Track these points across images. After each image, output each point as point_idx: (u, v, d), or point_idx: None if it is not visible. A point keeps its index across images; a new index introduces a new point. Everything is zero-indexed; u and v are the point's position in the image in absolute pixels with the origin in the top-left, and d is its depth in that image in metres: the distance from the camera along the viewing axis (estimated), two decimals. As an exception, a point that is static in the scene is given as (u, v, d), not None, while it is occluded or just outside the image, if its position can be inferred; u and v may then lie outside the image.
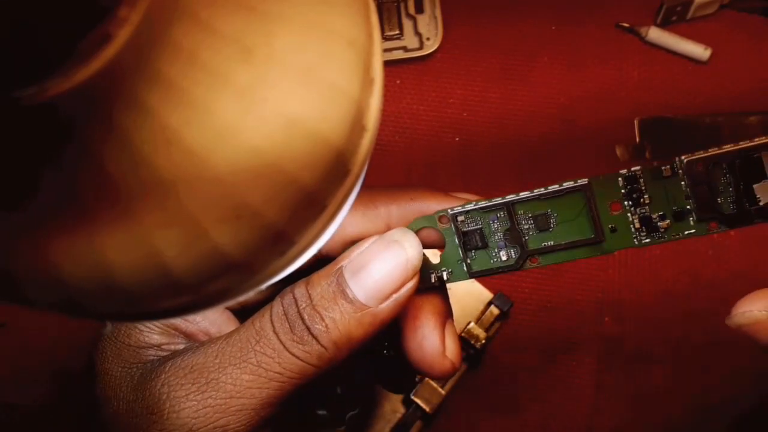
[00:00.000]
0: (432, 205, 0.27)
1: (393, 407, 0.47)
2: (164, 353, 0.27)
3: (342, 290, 0.25)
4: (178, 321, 0.28)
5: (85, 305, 0.16)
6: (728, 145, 0.25)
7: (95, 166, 0.14)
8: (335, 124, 0.16)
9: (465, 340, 0.47)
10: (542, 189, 0.26)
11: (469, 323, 0.47)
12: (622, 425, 0.48)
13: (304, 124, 0.15)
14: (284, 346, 0.25)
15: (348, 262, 0.25)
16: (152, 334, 0.28)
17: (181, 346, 0.27)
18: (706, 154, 0.25)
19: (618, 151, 0.51)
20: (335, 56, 0.16)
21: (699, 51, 0.53)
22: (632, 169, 0.25)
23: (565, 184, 0.26)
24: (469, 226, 0.27)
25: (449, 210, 0.27)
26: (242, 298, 0.19)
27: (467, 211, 0.27)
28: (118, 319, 0.26)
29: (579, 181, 0.26)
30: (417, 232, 0.27)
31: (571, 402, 0.49)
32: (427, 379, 0.46)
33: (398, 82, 0.54)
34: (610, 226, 0.26)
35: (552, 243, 0.26)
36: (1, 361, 0.47)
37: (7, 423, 0.46)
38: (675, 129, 0.51)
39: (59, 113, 0.13)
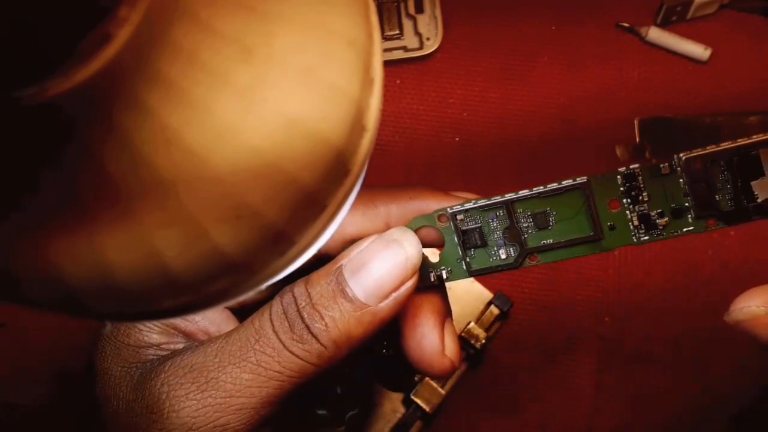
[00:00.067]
0: (431, 204, 0.27)
1: (393, 407, 0.47)
2: (164, 352, 0.27)
3: (341, 289, 0.25)
4: (177, 320, 0.28)
5: (85, 305, 0.16)
6: (726, 143, 0.25)
7: (95, 166, 0.14)
8: (335, 124, 0.16)
9: (465, 340, 0.47)
10: (541, 187, 0.26)
11: (469, 323, 0.47)
12: (622, 425, 0.48)
13: (304, 124, 0.15)
14: (284, 345, 0.25)
15: (347, 261, 0.25)
16: (152, 333, 0.28)
17: (181, 346, 0.28)
18: (704, 152, 0.25)
19: (618, 151, 0.51)
20: (335, 56, 0.16)
21: (699, 51, 0.53)
22: (631, 167, 0.25)
23: (564, 182, 0.26)
24: (468, 225, 0.27)
25: (448, 209, 0.27)
26: (242, 298, 0.19)
27: (466, 210, 0.27)
28: (118, 319, 0.26)
29: (578, 179, 0.26)
30: (416, 231, 0.27)
31: (571, 402, 0.49)
32: (427, 379, 0.46)
33: (398, 82, 0.54)
34: (609, 223, 0.26)
35: (551, 241, 0.26)
36: (1, 361, 0.47)
37: (7, 423, 0.46)
38: (675, 129, 0.51)
39: (59, 113, 0.13)
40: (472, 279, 0.49)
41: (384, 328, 0.26)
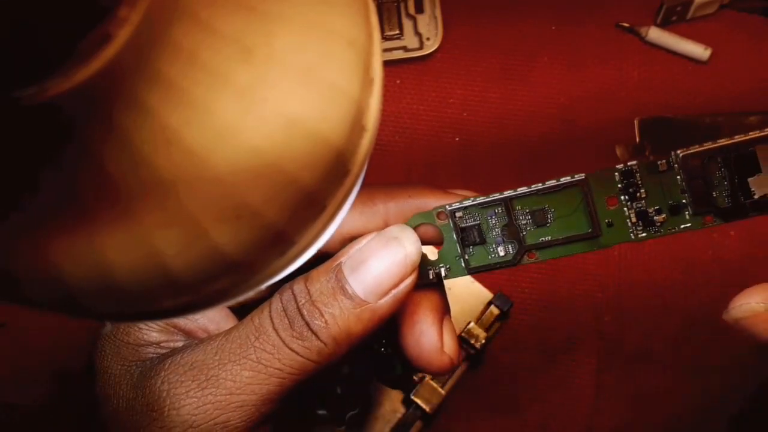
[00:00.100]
0: (430, 201, 0.28)
1: (393, 407, 0.47)
2: (163, 351, 0.27)
3: (341, 286, 0.25)
4: (177, 319, 0.28)
5: (85, 305, 0.16)
6: (723, 140, 0.25)
7: (95, 166, 0.14)
8: (335, 124, 0.16)
9: (465, 340, 0.47)
10: (539, 184, 0.26)
11: (469, 323, 0.47)
12: (622, 425, 0.48)
13: (304, 124, 0.15)
14: (284, 342, 0.25)
15: (347, 258, 0.25)
16: (151, 332, 0.28)
17: (180, 344, 0.28)
18: (701, 149, 0.25)
19: (618, 151, 0.51)
20: (335, 56, 0.16)
21: (699, 51, 0.53)
22: (629, 163, 0.25)
23: (562, 179, 0.26)
24: (467, 222, 0.27)
25: (447, 206, 0.27)
26: (242, 298, 0.19)
27: (465, 207, 0.27)
28: (118, 319, 0.26)
29: (576, 176, 0.26)
30: (415, 229, 0.27)
31: (571, 402, 0.49)
32: (427, 378, 0.46)
33: (398, 82, 0.54)
34: (606, 220, 0.26)
35: (549, 238, 0.26)
36: (1, 361, 0.47)
37: (7, 423, 0.46)
38: (675, 129, 0.51)
39: (59, 113, 0.13)
40: (471, 279, 0.49)
41: (383, 325, 0.26)
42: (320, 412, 0.43)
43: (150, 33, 0.13)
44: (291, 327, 0.25)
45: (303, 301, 0.25)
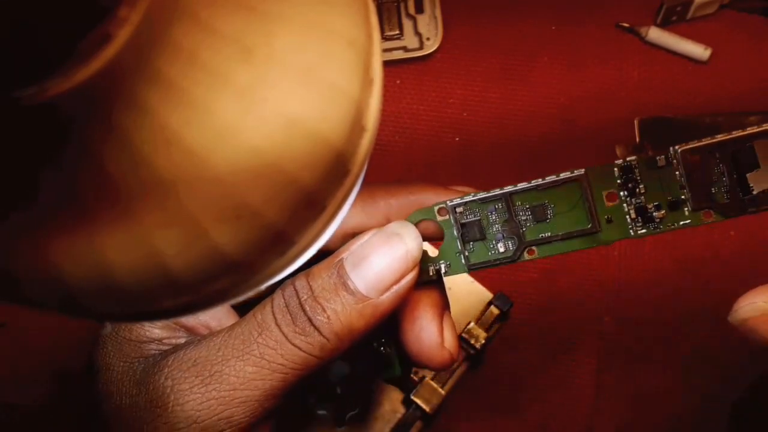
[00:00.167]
0: (430, 198, 0.28)
1: (393, 407, 0.47)
2: (166, 347, 0.27)
3: (343, 282, 0.25)
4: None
5: (85, 305, 0.16)
6: (721, 135, 0.25)
7: (95, 166, 0.14)
8: (335, 124, 0.16)
9: (465, 340, 0.47)
10: (539, 179, 0.26)
11: (469, 323, 0.47)
12: (622, 425, 0.48)
13: (304, 124, 0.15)
14: (286, 338, 0.25)
15: (348, 254, 0.26)
16: (153, 328, 0.28)
17: (182, 340, 0.28)
18: (699, 144, 0.25)
19: (618, 151, 0.51)
20: (335, 56, 0.16)
21: (699, 51, 0.53)
22: (628, 159, 0.26)
23: (562, 174, 0.26)
24: (467, 218, 0.27)
25: (448, 202, 0.27)
26: (242, 298, 0.19)
27: (466, 203, 0.27)
28: (119, 319, 0.26)
29: (575, 171, 0.26)
30: (416, 225, 0.27)
31: (571, 402, 0.49)
32: (427, 378, 0.46)
33: (398, 82, 0.54)
34: (606, 216, 0.26)
35: (549, 234, 0.26)
36: (1, 361, 0.47)
37: (7, 423, 0.46)
38: (675, 129, 0.51)
39: (59, 113, 0.13)
40: (471, 279, 0.49)
41: (384, 321, 0.26)
42: (320, 412, 0.43)
43: (150, 33, 0.13)
44: (293, 323, 0.25)
45: (305, 296, 0.25)
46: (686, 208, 0.26)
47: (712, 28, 0.54)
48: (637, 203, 0.26)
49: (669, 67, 0.53)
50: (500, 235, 0.27)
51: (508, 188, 0.26)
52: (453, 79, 0.54)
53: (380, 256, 0.25)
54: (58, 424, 0.45)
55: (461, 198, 0.27)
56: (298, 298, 0.25)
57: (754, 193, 0.25)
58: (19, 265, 0.15)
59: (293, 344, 0.25)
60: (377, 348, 0.32)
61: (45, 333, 0.46)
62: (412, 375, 0.46)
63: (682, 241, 0.50)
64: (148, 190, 0.15)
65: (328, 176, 0.17)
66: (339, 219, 0.19)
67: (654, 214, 0.26)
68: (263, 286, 0.19)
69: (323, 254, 0.26)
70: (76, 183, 0.14)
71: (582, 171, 0.26)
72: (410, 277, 0.26)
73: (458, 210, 0.27)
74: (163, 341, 0.28)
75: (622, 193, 0.26)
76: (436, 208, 0.27)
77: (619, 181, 0.26)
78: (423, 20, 0.54)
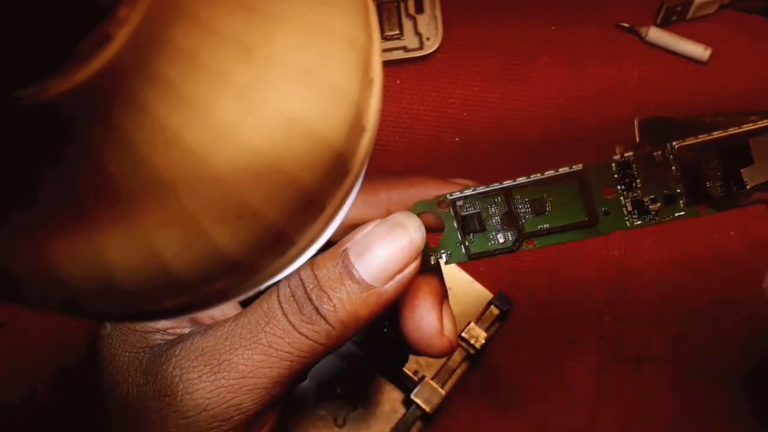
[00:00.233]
0: (431, 190, 0.28)
1: (393, 407, 0.47)
2: (170, 337, 0.28)
3: (348, 271, 0.25)
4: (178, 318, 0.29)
5: (85, 305, 0.16)
6: (718, 132, 0.26)
7: (95, 166, 0.14)
8: (335, 124, 0.16)
9: (465, 340, 0.47)
10: (539, 174, 0.27)
11: (469, 323, 0.47)
12: (622, 425, 0.48)
13: (304, 124, 0.15)
14: (293, 327, 0.25)
15: (353, 244, 0.26)
16: None
17: (187, 330, 0.28)
18: (695, 140, 0.26)
19: (618, 151, 0.51)
20: (335, 56, 0.16)
21: (699, 51, 0.53)
22: (625, 155, 0.26)
23: (560, 169, 0.27)
24: (467, 211, 0.27)
25: (448, 195, 0.27)
26: (242, 298, 0.19)
27: (466, 197, 0.27)
28: (119, 319, 0.26)
29: (574, 166, 0.27)
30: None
31: (571, 402, 0.49)
32: (427, 378, 0.46)
33: (398, 82, 0.54)
34: (603, 209, 0.27)
35: (547, 226, 0.27)
36: (1, 361, 0.47)
37: (7, 423, 0.46)
38: (675, 129, 0.51)
39: (59, 113, 0.13)
40: (472, 279, 0.49)
41: (387, 309, 0.26)
42: (320, 412, 0.43)
43: (150, 33, 0.13)
44: (300, 311, 0.25)
45: (311, 286, 0.26)
46: (681, 201, 0.26)
47: (712, 28, 0.54)
48: (633, 197, 0.26)
49: (669, 67, 0.53)
50: (500, 227, 0.27)
51: (508, 182, 0.27)
52: (453, 79, 0.54)
53: (384, 245, 0.26)
54: (58, 424, 0.45)
55: (461, 192, 0.27)
56: (304, 287, 0.26)
57: (748, 187, 0.26)
58: (19, 265, 0.15)
59: (300, 332, 0.25)
60: (380, 331, 0.32)
61: (45, 333, 0.46)
62: (412, 375, 0.46)
63: (682, 241, 0.50)
64: (148, 190, 0.15)
65: (328, 176, 0.17)
66: (339, 219, 0.19)
67: (650, 206, 0.26)
68: (263, 286, 0.19)
69: (326, 244, 0.27)
70: (76, 183, 0.14)
71: (580, 166, 0.27)
72: (413, 266, 0.26)
73: (458, 203, 0.27)
74: (168, 331, 0.28)
75: (619, 187, 0.26)
76: (436, 201, 0.27)
77: (616, 176, 0.26)
78: (423, 20, 0.54)
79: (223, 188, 0.15)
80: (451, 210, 0.27)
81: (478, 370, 0.48)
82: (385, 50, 0.53)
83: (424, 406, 0.45)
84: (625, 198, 0.26)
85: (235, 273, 0.17)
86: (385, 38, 0.54)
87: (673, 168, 0.26)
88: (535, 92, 0.53)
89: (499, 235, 0.27)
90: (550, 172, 0.27)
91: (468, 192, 0.27)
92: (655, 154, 0.26)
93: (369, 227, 0.26)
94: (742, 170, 0.25)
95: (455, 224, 0.27)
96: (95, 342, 0.29)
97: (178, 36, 0.14)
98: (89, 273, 0.15)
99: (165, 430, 0.26)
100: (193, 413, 0.25)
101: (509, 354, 0.49)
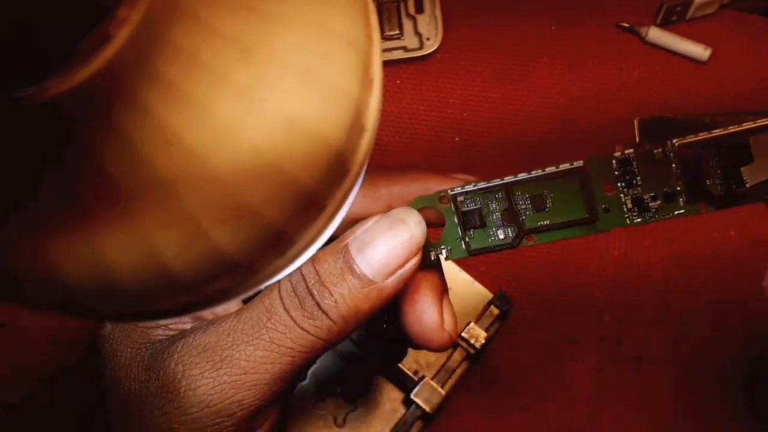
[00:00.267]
0: (432, 185, 0.28)
1: (393, 407, 0.47)
2: (172, 332, 0.28)
3: (349, 266, 0.26)
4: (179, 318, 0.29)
5: (85, 305, 0.16)
6: (717, 130, 0.26)
7: (95, 166, 0.14)
8: (335, 124, 0.16)
9: (465, 340, 0.47)
10: (539, 170, 0.27)
11: (469, 323, 0.47)
12: (622, 425, 0.48)
13: (304, 124, 0.15)
14: (295, 322, 0.25)
15: (353, 239, 0.26)
16: None
17: (188, 325, 0.28)
18: (696, 139, 0.26)
19: (618, 151, 0.51)
20: (335, 56, 0.16)
21: (699, 51, 0.53)
22: (626, 152, 0.26)
23: (561, 166, 0.27)
24: (468, 207, 0.27)
25: (449, 190, 0.27)
26: (242, 298, 0.19)
27: (466, 192, 0.27)
28: (119, 319, 0.26)
29: (575, 163, 0.27)
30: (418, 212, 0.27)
31: (571, 402, 0.49)
32: (427, 378, 0.46)
33: (398, 82, 0.54)
34: (603, 206, 0.27)
35: (548, 222, 0.27)
36: (1, 361, 0.47)
37: (7, 423, 0.46)
38: (675, 129, 0.51)
39: (59, 113, 0.13)
40: (472, 279, 0.49)
41: (388, 304, 0.26)
42: (319, 411, 0.43)
43: (150, 33, 0.13)
44: (302, 307, 0.25)
45: (312, 281, 0.26)
46: (681, 199, 0.26)
47: (712, 28, 0.54)
48: (634, 194, 0.26)
49: (669, 67, 0.53)
50: (500, 223, 0.27)
51: (508, 178, 0.27)
52: (453, 79, 0.54)
53: (385, 241, 0.26)
54: (58, 424, 0.45)
55: (462, 187, 0.27)
56: (306, 282, 0.26)
57: (748, 186, 0.26)
58: (19, 265, 0.15)
59: (302, 328, 0.25)
60: (380, 326, 0.32)
61: (45, 333, 0.46)
62: (412, 375, 0.46)
63: (682, 240, 0.50)
64: (148, 190, 0.15)
65: (328, 176, 0.17)
66: (339, 218, 0.19)
67: (650, 204, 0.26)
68: (263, 286, 0.19)
69: (327, 239, 0.27)
70: (76, 183, 0.14)
71: (581, 163, 0.27)
72: (414, 261, 0.26)
73: (459, 199, 0.27)
74: (169, 326, 0.28)
75: (619, 185, 0.26)
76: (437, 197, 0.27)
77: (617, 173, 0.26)
78: (423, 20, 0.54)
79: (223, 188, 0.15)
80: (452, 205, 0.27)
81: (478, 370, 0.48)
82: (385, 50, 0.53)
83: (424, 405, 0.45)
84: (625, 195, 0.26)
85: (235, 273, 0.17)
86: (385, 38, 0.54)
87: (674, 166, 0.26)
88: (535, 92, 0.53)
89: (499, 231, 0.27)
90: (551, 168, 0.27)
91: (469, 188, 0.27)
92: (655, 151, 0.26)
93: (370, 222, 0.26)
94: (742, 168, 0.26)
95: (456, 220, 0.27)
96: (96, 340, 0.29)
97: (178, 36, 0.14)
98: (89, 273, 0.15)
99: (168, 427, 0.26)
100: (195, 409, 0.25)
101: (509, 354, 0.49)
